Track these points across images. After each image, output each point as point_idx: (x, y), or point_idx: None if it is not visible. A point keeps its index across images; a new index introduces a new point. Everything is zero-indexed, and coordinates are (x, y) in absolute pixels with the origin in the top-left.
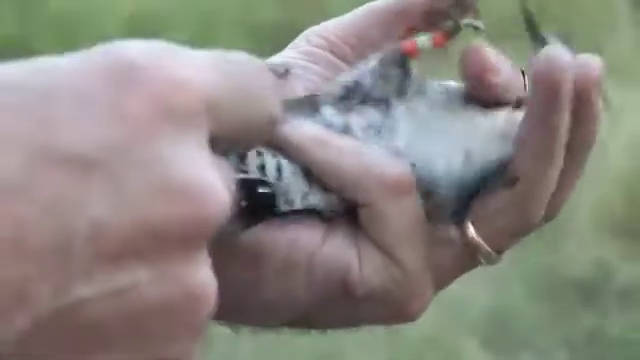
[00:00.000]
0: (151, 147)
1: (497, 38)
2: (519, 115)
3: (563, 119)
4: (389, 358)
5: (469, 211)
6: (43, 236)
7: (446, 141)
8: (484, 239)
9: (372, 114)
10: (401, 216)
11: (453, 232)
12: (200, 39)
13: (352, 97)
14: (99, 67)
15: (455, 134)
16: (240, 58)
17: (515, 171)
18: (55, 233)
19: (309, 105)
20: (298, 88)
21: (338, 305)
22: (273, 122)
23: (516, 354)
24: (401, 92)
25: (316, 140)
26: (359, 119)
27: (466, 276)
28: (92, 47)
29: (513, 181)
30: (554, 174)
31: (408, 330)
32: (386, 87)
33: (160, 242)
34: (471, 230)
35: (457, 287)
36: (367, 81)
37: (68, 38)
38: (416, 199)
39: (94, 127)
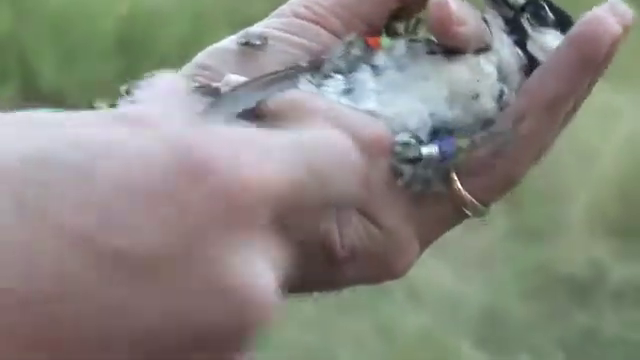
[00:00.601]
0: (211, 251)
1: None
2: (483, 60)
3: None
4: (382, 357)
5: (453, 164)
6: (87, 333)
7: (418, 93)
8: (470, 193)
9: (341, 81)
10: (377, 177)
11: (438, 186)
12: (195, 36)
13: (320, 69)
14: (162, 161)
15: (426, 85)
16: (327, 142)
17: (519, 119)
18: (101, 334)
19: (285, 78)
20: (273, 60)
21: (321, 268)
22: (353, 202)
23: (510, 353)
24: (366, 60)
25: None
26: (330, 87)
27: (460, 275)
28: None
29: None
30: (555, 128)
31: (402, 328)
32: (352, 60)
33: (199, 345)
34: (457, 183)
35: (451, 286)
36: (334, 57)
37: (63, 35)
38: (394, 158)
39: (154, 228)
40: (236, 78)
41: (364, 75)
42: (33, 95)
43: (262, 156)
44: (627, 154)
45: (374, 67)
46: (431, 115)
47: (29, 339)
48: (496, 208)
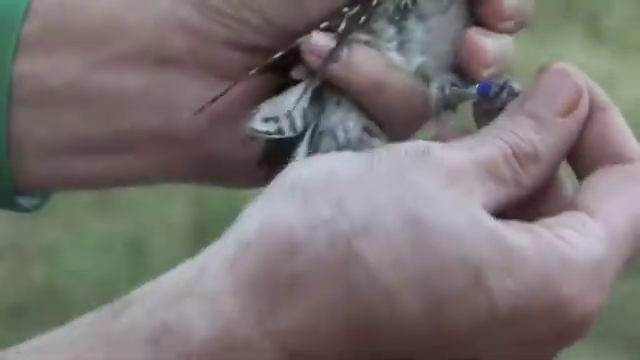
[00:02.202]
0: None
1: None
2: None
3: None
4: None
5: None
6: None
7: (451, 35)
8: None
9: (393, 34)
10: None
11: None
12: None
13: (365, 15)
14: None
15: (457, 26)
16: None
17: None
18: None
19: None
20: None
21: None
22: None
23: None
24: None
25: (375, 85)
26: (383, 43)
27: None
28: None
29: None
30: None
31: None
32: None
33: None
34: None
35: None
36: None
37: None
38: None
39: None
40: (324, 38)
41: (412, 24)
42: None
43: (603, 291)
44: (630, 122)
45: (420, 15)
46: (453, 46)
47: None
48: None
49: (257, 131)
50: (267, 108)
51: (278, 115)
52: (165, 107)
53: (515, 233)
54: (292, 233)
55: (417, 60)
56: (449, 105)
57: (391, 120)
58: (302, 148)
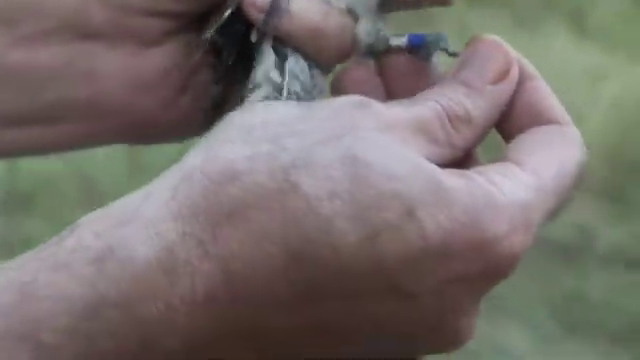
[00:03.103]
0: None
1: None
2: None
3: None
4: None
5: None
6: None
7: None
8: None
9: None
10: None
11: None
12: None
13: None
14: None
15: None
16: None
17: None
18: None
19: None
20: None
21: None
22: None
23: (496, 316)
24: None
25: (315, 32)
26: None
27: None
28: None
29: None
30: None
31: None
32: None
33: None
34: None
35: None
36: None
37: None
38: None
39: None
40: None
41: None
42: None
43: (528, 233)
44: (614, 117)
45: None
46: None
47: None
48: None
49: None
50: (255, 95)
51: (260, 81)
52: (90, 78)
53: (450, 176)
54: (233, 164)
55: None
56: (373, 51)
57: (327, 60)
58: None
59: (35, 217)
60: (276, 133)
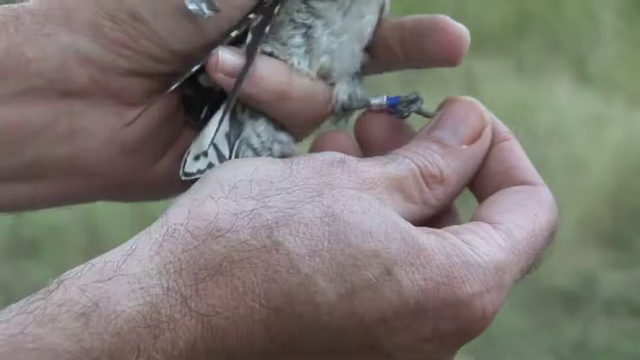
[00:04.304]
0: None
1: None
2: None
3: None
4: None
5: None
6: None
7: (356, 34)
8: None
9: (300, 41)
10: None
11: None
12: None
13: (272, 22)
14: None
15: (361, 24)
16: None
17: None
18: None
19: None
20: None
21: None
22: None
23: None
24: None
25: (279, 95)
26: (293, 50)
27: None
28: None
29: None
30: None
31: None
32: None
33: None
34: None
35: None
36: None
37: None
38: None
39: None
40: (230, 56)
41: (318, 31)
42: None
43: (501, 292)
44: (617, 164)
45: (324, 18)
46: (361, 52)
47: None
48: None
49: (189, 174)
50: (195, 147)
51: (205, 150)
52: (71, 136)
53: (426, 235)
54: (217, 220)
55: (319, 62)
56: (347, 113)
57: (293, 122)
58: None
59: (39, 265)
60: (260, 191)
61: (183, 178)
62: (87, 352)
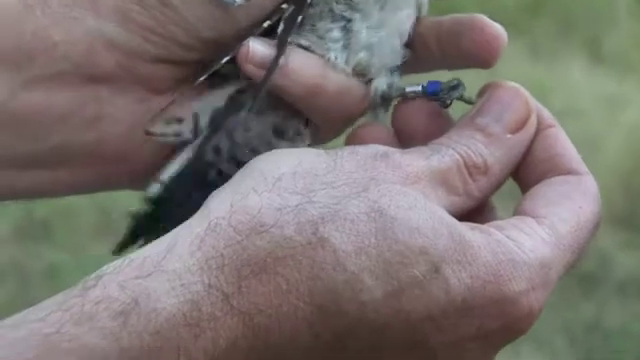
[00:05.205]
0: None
1: None
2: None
3: None
4: None
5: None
6: None
7: (395, 27)
8: None
9: (338, 34)
10: None
11: None
12: None
13: (305, 13)
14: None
15: (401, 16)
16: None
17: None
18: None
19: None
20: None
21: None
22: None
23: (515, 343)
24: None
25: (311, 90)
26: (329, 44)
27: None
28: None
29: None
30: None
31: None
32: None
33: None
34: None
35: None
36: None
37: None
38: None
39: None
40: (261, 47)
41: (357, 24)
42: None
43: (547, 289)
44: (631, 144)
45: (362, 11)
46: (402, 48)
47: None
48: (501, 199)
49: (151, 133)
50: (176, 109)
51: (184, 117)
52: (97, 122)
53: (471, 232)
54: (260, 215)
55: (357, 58)
56: (386, 103)
57: (326, 119)
58: (187, 149)
59: (52, 246)
60: (305, 184)
61: (145, 132)
62: (125, 351)
